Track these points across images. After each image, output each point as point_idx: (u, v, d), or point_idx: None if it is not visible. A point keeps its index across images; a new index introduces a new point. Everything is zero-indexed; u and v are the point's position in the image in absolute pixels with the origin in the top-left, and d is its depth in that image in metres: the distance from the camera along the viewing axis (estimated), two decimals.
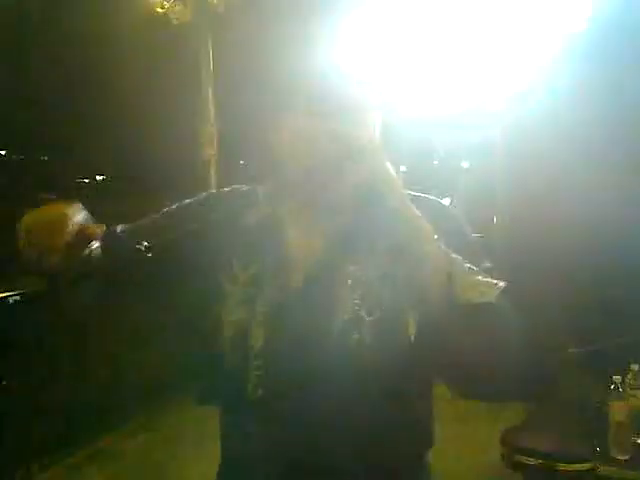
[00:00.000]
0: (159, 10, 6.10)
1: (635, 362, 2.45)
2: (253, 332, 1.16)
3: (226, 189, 1.33)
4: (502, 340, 1.03)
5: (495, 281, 1.01)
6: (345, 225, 1.16)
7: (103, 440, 4.25)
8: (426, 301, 1.02)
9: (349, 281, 1.15)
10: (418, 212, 1.06)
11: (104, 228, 1.22)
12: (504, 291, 1.01)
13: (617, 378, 2.41)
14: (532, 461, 2.40)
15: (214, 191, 1.35)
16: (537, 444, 2.48)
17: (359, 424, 1.15)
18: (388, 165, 1.09)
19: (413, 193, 1.13)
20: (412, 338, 1.11)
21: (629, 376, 2.44)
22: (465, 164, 10.74)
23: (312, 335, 1.14)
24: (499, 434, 2.61)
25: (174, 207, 1.32)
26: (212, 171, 5.46)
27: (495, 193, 5.62)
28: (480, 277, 1.01)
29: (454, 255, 1.02)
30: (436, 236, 1.04)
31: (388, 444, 1.19)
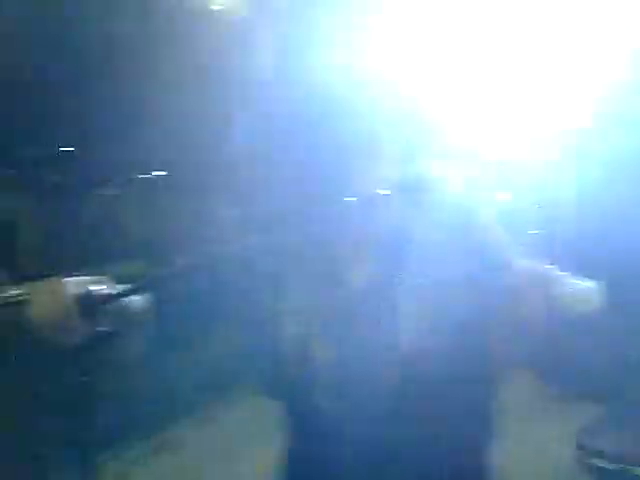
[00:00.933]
0: (214, 7, 6.13)
1: None
2: (316, 344, 1.16)
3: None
4: (606, 341, 1.08)
5: (589, 286, 1.03)
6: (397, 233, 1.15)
7: (167, 432, 4.31)
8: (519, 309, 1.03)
9: (404, 286, 1.14)
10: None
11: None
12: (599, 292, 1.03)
13: None
14: (608, 465, 2.31)
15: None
16: (613, 447, 2.39)
17: (435, 427, 1.15)
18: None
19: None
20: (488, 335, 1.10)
21: None
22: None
23: (376, 341, 1.14)
24: (571, 435, 2.53)
25: None
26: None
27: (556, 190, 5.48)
28: (575, 285, 1.02)
29: (545, 266, 1.03)
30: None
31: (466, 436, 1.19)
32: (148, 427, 4.23)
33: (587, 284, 1.02)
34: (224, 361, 4.37)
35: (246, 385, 4.64)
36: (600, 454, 2.37)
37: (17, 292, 1.04)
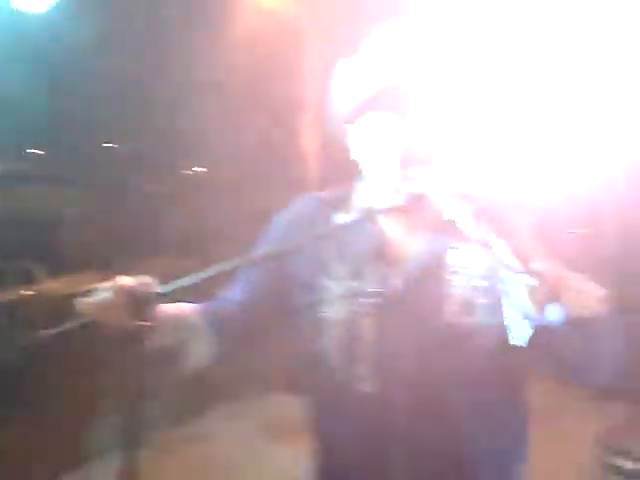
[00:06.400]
0: None
1: None
2: (361, 326, 1.16)
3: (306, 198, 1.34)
4: (604, 340, 1.07)
5: (598, 291, 1.03)
6: (439, 216, 1.12)
7: (196, 423, 4.40)
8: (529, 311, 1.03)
9: (453, 268, 1.16)
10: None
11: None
12: (608, 302, 1.03)
13: None
14: (629, 464, 2.33)
15: (294, 203, 1.34)
16: (634, 447, 2.40)
17: (476, 413, 1.16)
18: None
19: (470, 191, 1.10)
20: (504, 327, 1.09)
21: None
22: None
23: (425, 324, 1.15)
24: (595, 434, 2.54)
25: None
26: (312, 163, 5.31)
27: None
28: (585, 288, 1.02)
29: (564, 272, 1.01)
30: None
31: (497, 435, 1.20)
32: (179, 417, 4.33)
33: (596, 288, 1.03)
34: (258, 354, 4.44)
35: (277, 379, 4.72)
36: (625, 454, 2.38)
37: (60, 285, 1.09)
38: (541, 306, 1.01)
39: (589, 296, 1.01)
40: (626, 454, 2.38)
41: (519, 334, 1.05)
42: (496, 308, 1.11)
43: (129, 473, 1.01)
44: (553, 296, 0.99)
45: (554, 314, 1.01)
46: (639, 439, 2.48)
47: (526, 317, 1.04)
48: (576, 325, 1.00)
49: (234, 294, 1.31)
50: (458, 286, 1.15)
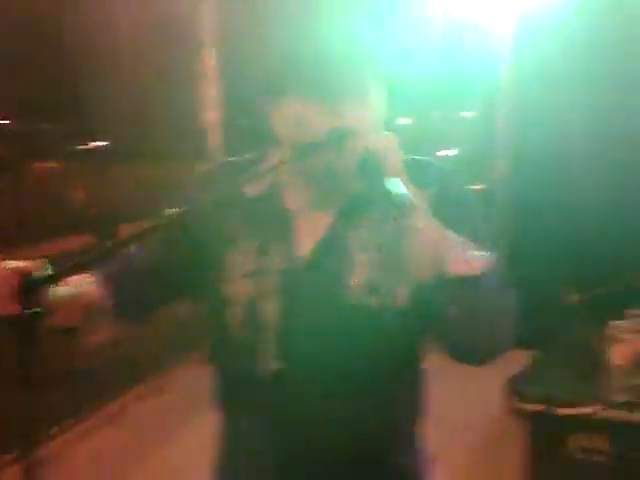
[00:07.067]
0: None
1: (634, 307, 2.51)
2: (265, 303, 1.15)
3: (219, 163, 1.33)
4: (486, 311, 1.04)
5: (483, 254, 1.01)
6: (348, 194, 1.15)
7: (114, 405, 4.33)
8: (416, 272, 1.04)
9: (358, 246, 1.15)
10: (411, 186, 1.03)
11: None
12: (492, 263, 1.01)
13: (617, 322, 2.47)
14: (533, 407, 2.45)
15: (204, 169, 1.31)
16: (538, 390, 2.54)
17: (379, 392, 1.18)
18: (389, 140, 1.07)
19: (414, 157, 1.12)
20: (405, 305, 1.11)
21: (628, 320, 2.49)
22: (467, 114, 10.61)
23: (328, 302, 1.14)
24: (502, 382, 2.66)
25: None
26: (215, 136, 5.30)
27: (498, 144, 5.58)
28: (469, 251, 1.00)
29: (446, 230, 1.02)
30: (426, 205, 1.03)
31: (402, 415, 1.24)
32: (92, 401, 4.25)
33: (478, 253, 1.01)
34: (170, 331, 4.41)
35: (192, 354, 4.69)
36: (529, 398, 2.50)
37: None
38: (424, 261, 1.01)
39: (471, 253, 1.00)
40: (529, 397, 2.51)
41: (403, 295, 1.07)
42: (399, 286, 1.12)
43: (29, 467, 0.97)
44: (433, 249, 0.99)
45: (436, 272, 0.99)
46: (541, 382, 2.62)
47: (409, 275, 1.05)
48: (457, 284, 0.98)
49: (137, 262, 1.27)
50: (363, 265, 1.14)
